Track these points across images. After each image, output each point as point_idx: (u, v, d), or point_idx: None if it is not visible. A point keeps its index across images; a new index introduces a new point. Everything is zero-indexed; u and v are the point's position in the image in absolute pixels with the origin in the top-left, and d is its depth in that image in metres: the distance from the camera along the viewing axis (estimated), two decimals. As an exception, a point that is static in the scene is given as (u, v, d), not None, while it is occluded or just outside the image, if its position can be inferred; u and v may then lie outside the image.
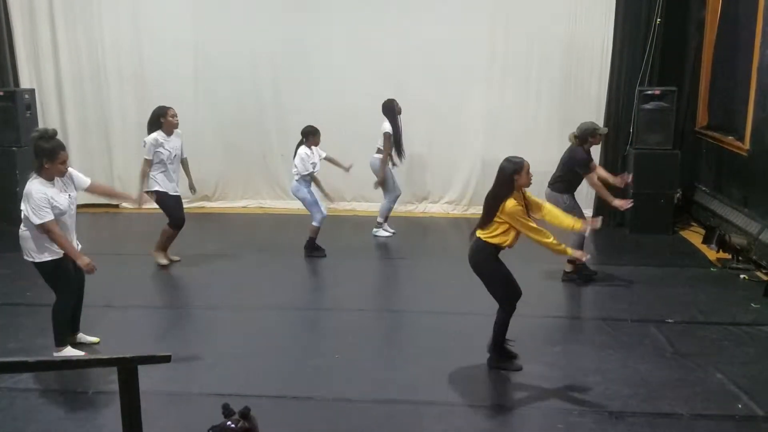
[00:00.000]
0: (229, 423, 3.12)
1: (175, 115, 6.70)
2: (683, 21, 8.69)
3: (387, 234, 8.14)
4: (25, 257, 4.77)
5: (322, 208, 7.24)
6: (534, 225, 4.57)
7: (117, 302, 6.16)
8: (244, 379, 4.67)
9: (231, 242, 7.94)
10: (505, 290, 4.74)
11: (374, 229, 8.18)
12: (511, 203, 4.51)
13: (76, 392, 4.51)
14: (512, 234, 4.60)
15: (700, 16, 8.63)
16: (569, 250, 4.75)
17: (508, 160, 4.61)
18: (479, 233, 4.68)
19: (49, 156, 4.59)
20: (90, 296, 6.23)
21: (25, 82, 9.13)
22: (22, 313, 5.71)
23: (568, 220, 4.89)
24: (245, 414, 3.14)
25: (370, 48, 8.85)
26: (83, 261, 4.68)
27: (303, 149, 7.09)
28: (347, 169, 7.70)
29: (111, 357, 2.92)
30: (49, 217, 4.56)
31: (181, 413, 4.28)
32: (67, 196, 4.75)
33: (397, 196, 8.26)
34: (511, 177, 4.54)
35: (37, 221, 4.55)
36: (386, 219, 8.23)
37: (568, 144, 8.87)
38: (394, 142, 7.86)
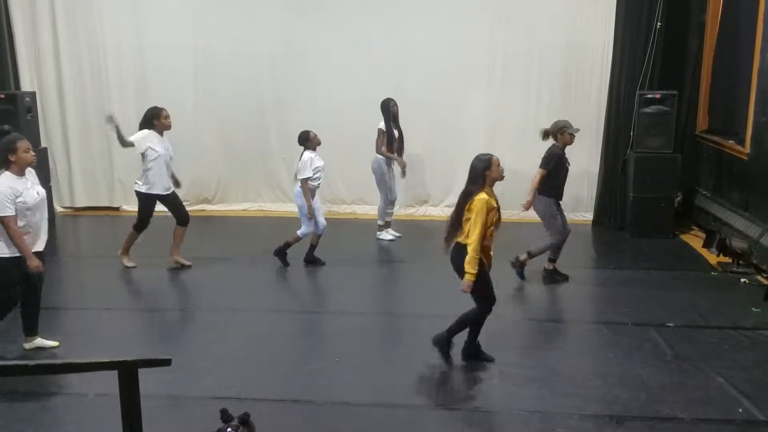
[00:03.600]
0: (228, 429, 3.11)
1: (168, 117, 6.70)
2: (684, 25, 8.70)
3: (390, 237, 8.13)
4: None
5: (319, 222, 7.00)
6: (478, 237, 4.55)
7: (117, 305, 6.15)
8: (244, 382, 4.66)
9: (231, 245, 7.93)
10: (486, 289, 4.76)
11: (377, 233, 8.16)
12: (480, 197, 4.59)
13: (76, 395, 4.50)
14: (488, 233, 4.66)
15: (700, 20, 8.64)
16: (469, 278, 4.62)
17: (477, 158, 4.73)
18: (458, 238, 4.73)
19: (10, 148, 4.65)
20: (89, 299, 6.26)
21: (26, 84, 9.14)
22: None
23: (468, 265, 4.65)
24: (244, 420, 3.13)
25: (370, 49, 8.86)
26: (33, 263, 4.68)
27: (307, 153, 6.94)
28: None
29: (111, 360, 2.92)
30: (9, 212, 4.58)
31: (181, 417, 4.27)
32: (35, 193, 4.79)
33: (392, 201, 8.22)
34: (482, 173, 4.65)
35: None
36: (387, 222, 8.22)
37: (571, 146, 8.92)
38: (386, 140, 7.85)
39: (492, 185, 4.75)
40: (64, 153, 9.38)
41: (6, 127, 4.86)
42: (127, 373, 2.84)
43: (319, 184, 7.02)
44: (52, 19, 9.08)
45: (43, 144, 8.92)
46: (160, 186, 6.73)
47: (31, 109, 8.60)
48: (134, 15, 9.05)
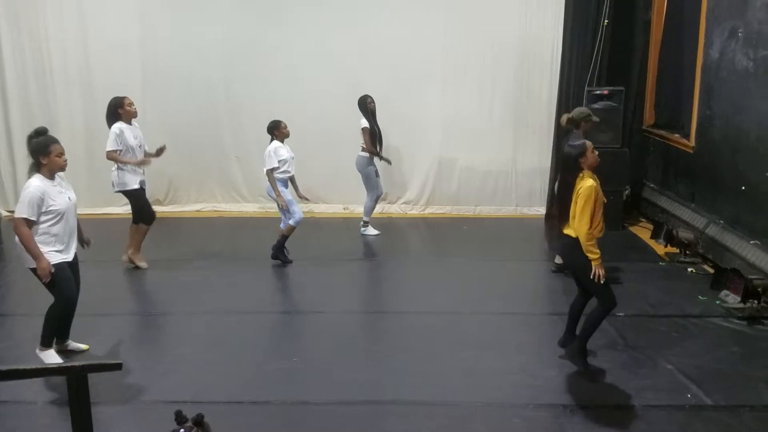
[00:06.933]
0: (182, 430, 3.05)
1: (131, 104, 6.64)
2: (630, 22, 8.89)
3: (375, 233, 8.10)
4: (26, 265, 4.65)
5: (296, 210, 6.88)
6: (587, 225, 4.41)
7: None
8: (200, 385, 4.59)
9: (186, 247, 7.79)
10: (606, 283, 4.55)
11: (362, 229, 8.13)
12: (589, 184, 4.41)
13: (24, 403, 4.37)
14: (596, 219, 4.48)
15: (646, 17, 8.85)
16: (595, 254, 4.48)
17: (570, 146, 4.59)
18: (566, 231, 4.58)
19: (43, 151, 4.53)
20: (38, 305, 6.05)
21: (-33, 84, 8.81)
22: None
23: (589, 253, 4.49)
24: (199, 421, 3.08)
25: (326, 47, 8.79)
26: (41, 264, 4.53)
27: (272, 144, 6.81)
28: (303, 198, 7.26)
29: (59, 366, 2.85)
30: (25, 214, 4.45)
31: (134, 422, 4.19)
32: (67, 198, 4.66)
33: (379, 195, 8.24)
34: (576, 160, 4.48)
35: (16, 214, 4.48)
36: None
37: (523, 142, 9.00)
38: (371, 137, 7.82)
39: (591, 170, 4.53)
40: (8, 155, 9.04)
41: (42, 127, 4.69)
42: (76, 378, 2.77)
43: (289, 176, 6.88)
44: (-8, 16, 8.75)
45: (-14, 146, 8.62)
46: (139, 177, 6.67)
47: (-28, 109, 8.30)
48: (79, 11, 8.76)
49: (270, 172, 6.74)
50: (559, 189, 4.58)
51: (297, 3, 8.77)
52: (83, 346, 5.07)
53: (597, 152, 4.60)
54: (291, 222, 6.91)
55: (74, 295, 4.79)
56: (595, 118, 6.55)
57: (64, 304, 4.74)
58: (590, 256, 4.47)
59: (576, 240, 4.53)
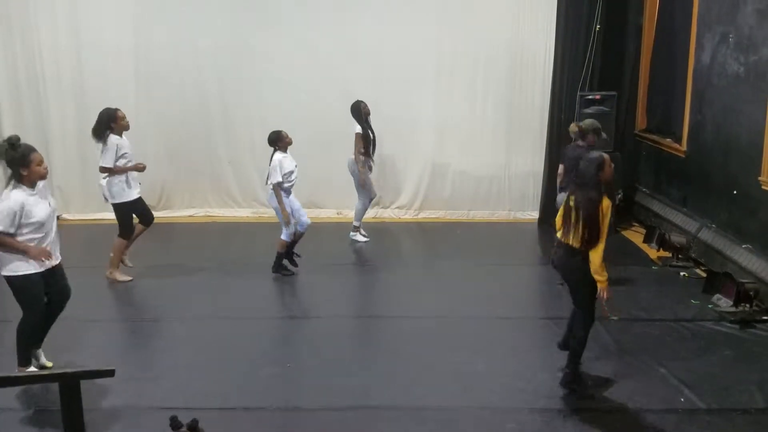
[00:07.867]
0: (177, 436, 3.06)
1: (124, 117, 6.57)
2: (622, 27, 8.95)
3: (365, 239, 8.08)
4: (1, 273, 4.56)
5: (301, 222, 6.80)
6: (604, 243, 4.29)
7: (60, 315, 5.95)
8: (193, 391, 4.58)
9: (178, 253, 7.76)
10: (592, 299, 4.45)
11: (351, 233, 8.11)
12: (606, 202, 4.31)
13: (17, 410, 4.34)
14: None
15: (637, 22, 8.90)
16: (603, 276, 4.36)
17: (587, 160, 4.43)
18: (579, 246, 4.35)
19: (23, 162, 4.44)
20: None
21: (-41, 89, 8.76)
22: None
23: (600, 274, 4.36)
24: (193, 426, 3.09)
25: (318, 50, 8.79)
26: (31, 253, 4.45)
27: (277, 156, 6.61)
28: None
29: (52, 372, 2.84)
30: (3, 227, 4.36)
31: (127, 429, 4.17)
32: (47, 204, 4.58)
33: (372, 198, 8.23)
34: (596, 176, 4.33)
35: None
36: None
37: (516, 146, 8.96)
38: (364, 143, 7.79)
39: (605, 185, 4.40)
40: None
41: (14, 136, 4.60)
42: (69, 385, 2.76)
43: (292, 184, 6.73)
44: (-16, 22, 8.71)
45: (-23, 151, 8.56)
46: (130, 195, 6.59)
47: (-36, 115, 8.26)
48: (72, 17, 8.74)
49: (276, 186, 6.59)
50: (585, 208, 4.31)
51: (289, 8, 8.77)
52: (47, 363, 4.87)
53: (612, 164, 4.48)
54: (299, 229, 6.82)
55: (43, 309, 4.68)
56: (605, 135, 6.51)
57: (34, 318, 4.64)
58: (598, 278, 4.33)
59: (578, 252, 4.37)
